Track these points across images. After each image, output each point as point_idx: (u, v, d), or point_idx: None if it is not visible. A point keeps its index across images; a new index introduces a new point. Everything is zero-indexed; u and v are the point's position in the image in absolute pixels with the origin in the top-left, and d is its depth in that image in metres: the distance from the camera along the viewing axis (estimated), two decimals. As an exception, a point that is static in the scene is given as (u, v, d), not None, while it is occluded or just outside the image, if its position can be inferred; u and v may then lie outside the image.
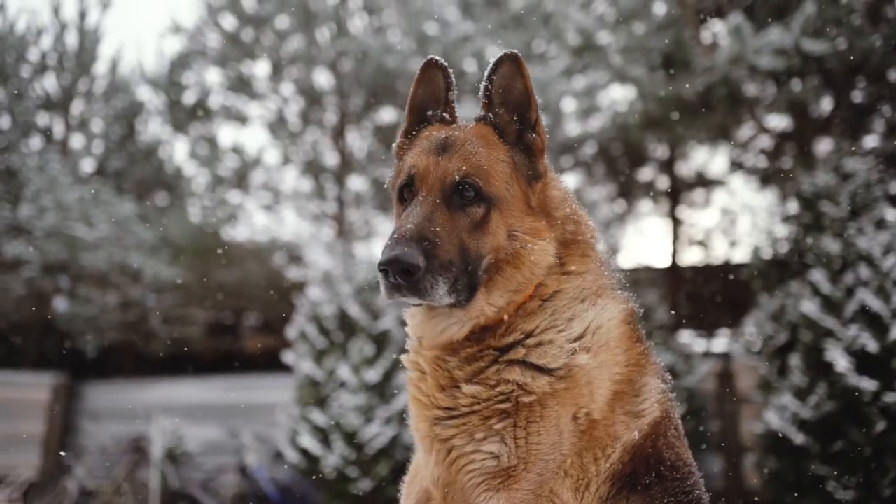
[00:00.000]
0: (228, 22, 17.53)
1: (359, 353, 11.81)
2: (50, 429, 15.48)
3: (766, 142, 13.97)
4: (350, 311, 12.08)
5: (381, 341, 12.17)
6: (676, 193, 16.31)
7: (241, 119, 18.28)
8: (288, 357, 12.53)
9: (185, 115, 18.17)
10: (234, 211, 18.22)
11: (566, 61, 12.23)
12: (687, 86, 11.31)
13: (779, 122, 13.42)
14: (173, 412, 14.89)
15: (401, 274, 2.17)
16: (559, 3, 12.45)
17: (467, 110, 8.94)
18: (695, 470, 2.50)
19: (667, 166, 16.19)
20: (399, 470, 10.03)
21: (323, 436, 11.56)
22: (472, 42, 14.78)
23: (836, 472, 8.41)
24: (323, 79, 17.92)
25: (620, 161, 15.93)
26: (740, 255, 15.76)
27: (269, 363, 15.19)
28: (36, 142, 17.71)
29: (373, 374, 11.67)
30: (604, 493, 2.33)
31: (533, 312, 2.42)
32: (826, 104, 12.38)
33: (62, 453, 15.43)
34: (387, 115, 18.50)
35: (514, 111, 2.54)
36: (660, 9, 11.97)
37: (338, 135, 18.01)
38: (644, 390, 2.47)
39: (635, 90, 12.29)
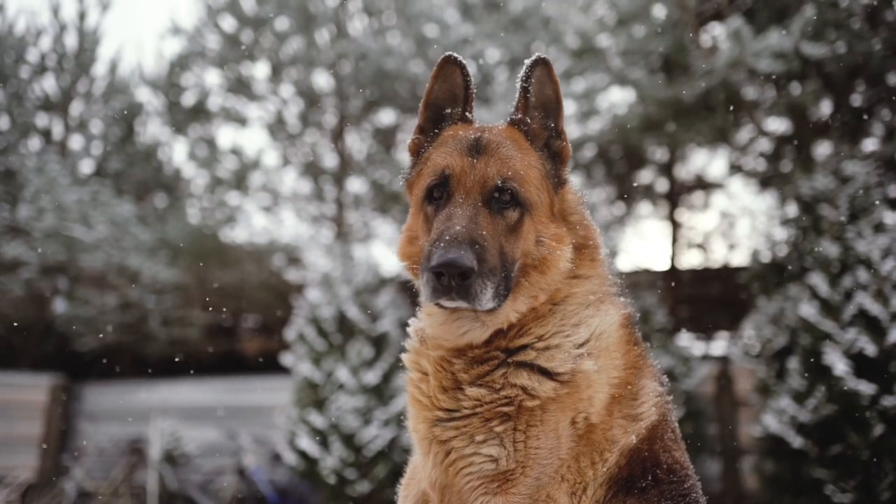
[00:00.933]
0: (228, 23, 17.53)
1: (357, 355, 11.81)
2: (48, 430, 15.48)
3: (765, 145, 13.96)
4: (349, 313, 12.08)
5: (379, 343, 12.18)
6: (675, 196, 16.31)
7: (241, 120, 18.27)
8: (286, 359, 12.53)
9: (184, 117, 18.16)
10: (233, 212, 18.19)
11: (566, 64, 12.22)
12: (686, 89, 11.31)
13: (778, 125, 13.41)
14: (171, 413, 14.89)
15: (457, 277, 2.14)
16: (559, 6, 12.44)
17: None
18: (691, 473, 2.50)
19: (666, 169, 16.18)
20: (397, 472, 10.04)
21: (321, 438, 11.56)
22: (471, 44, 14.78)
23: (834, 476, 8.40)
24: (322, 80, 17.92)
25: (619, 164, 15.93)
26: (739, 259, 15.76)
27: (268, 365, 15.19)
28: (35, 143, 17.71)
29: (371, 376, 11.68)
30: (600, 496, 2.33)
31: (544, 316, 2.43)
32: (825, 108, 12.38)
33: (60, 454, 15.43)
34: (386, 117, 18.50)
35: (546, 118, 2.56)
36: (659, 12, 11.95)
37: (337, 137, 18.01)
38: (641, 393, 2.47)
39: (635, 93, 12.28)
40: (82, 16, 17.61)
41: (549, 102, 2.55)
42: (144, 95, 18.87)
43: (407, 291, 13.98)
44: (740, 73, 10.88)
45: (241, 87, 17.85)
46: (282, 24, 17.28)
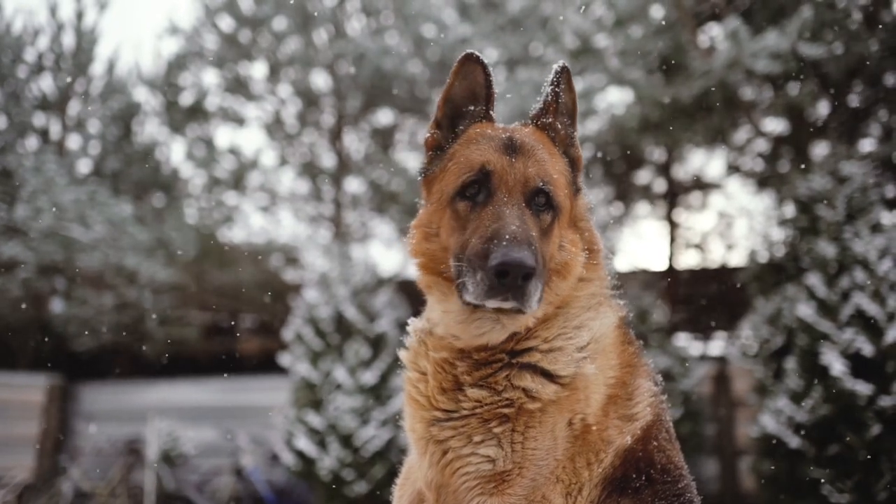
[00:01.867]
0: (226, 23, 17.52)
1: (355, 356, 11.81)
2: (45, 430, 15.46)
3: (762, 145, 13.98)
4: (346, 314, 12.08)
5: (377, 343, 12.18)
6: (673, 196, 16.32)
7: (238, 120, 18.25)
8: (284, 359, 12.53)
9: (182, 117, 18.13)
10: (231, 212, 18.17)
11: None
12: (684, 90, 11.31)
13: (775, 125, 13.43)
14: (169, 414, 14.88)
15: (521, 277, 2.11)
16: (556, 6, 12.45)
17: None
18: (685, 473, 2.50)
19: (664, 169, 16.20)
20: (395, 472, 10.06)
21: (319, 438, 11.56)
22: (469, 44, 14.76)
23: (831, 476, 8.42)
24: (320, 80, 17.92)
25: (617, 164, 15.93)
26: (737, 259, 15.77)
27: (266, 365, 15.20)
28: (32, 142, 17.66)
29: (369, 377, 11.68)
30: (595, 497, 2.33)
31: (549, 318, 2.42)
32: (823, 108, 12.40)
33: (57, 455, 15.41)
34: (384, 116, 18.50)
35: (570, 126, 2.59)
36: (657, 12, 11.96)
37: (335, 137, 18.00)
38: (637, 393, 2.48)
39: (633, 93, 12.28)
40: (80, 15, 17.57)
41: (570, 110, 2.58)
42: (142, 95, 18.84)
43: (405, 291, 14.00)
44: (738, 74, 10.89)
45: (238, 86, 17.84)
46: (280, 23, 17.26)
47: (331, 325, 12.13)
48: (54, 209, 15.00)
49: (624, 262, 16.66)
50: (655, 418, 2.48)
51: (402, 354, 2.63)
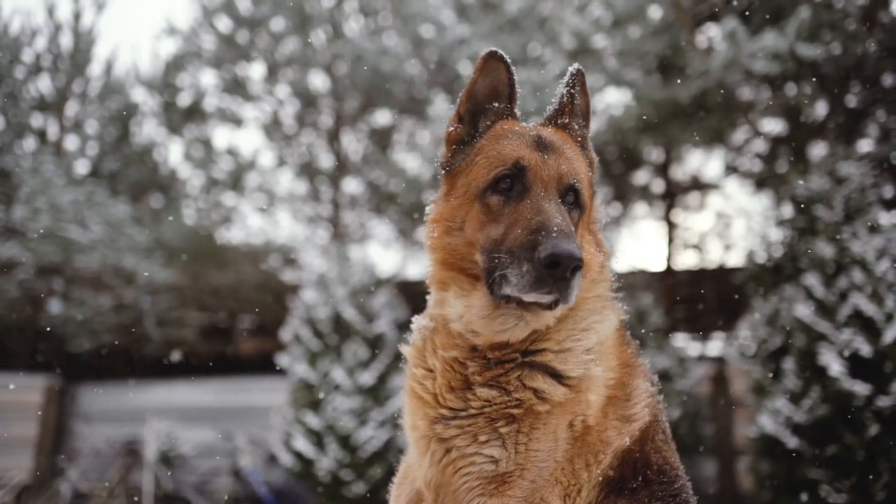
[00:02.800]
0: (223, 24, 17.52)
1: (353, 356, 11.80)
2: (43, 431, 15.43)
3: (760, 146, 13.99)
4: (345, 314, 12.08)
5: (375, 344, 12.18)
6: (671, 197, 16.33)
7: (236, 121, 18.25)
8: (282, 360, 12.52)
9: (179, 117, 18.13)
10: (229, 213, 18.16)
11: (561, 65, 12.21)
12: (682, 90, 11.32)
13: (773, 126, 13.45)
14: (167, 415, 14.87)
15: (573, 269, 2.12)
16: (555, 7, 12.46)
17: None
18: (682, 473, 2.50)
19: (662, 170, 16.20)
20: (393, 473, 10.06)
21: (317, 438, 11.56)
22: (467, 45, 14.77)
23: (829, 476, 8.41)
24: (318, 81, 17.92)
25: (616, 164, 15.93)
26: (735, 259, 15.78)
27: (264, 366, 15.18)
28: (30, 143, 17.65)
29: (367, 377, 11.67)
30: (592, 498, 2.34)
31: (561, 320, 2.42)
32: (821, 109, 12.40)
33: (56, 456, 15.39)
34: (382, 117, 18.50)
35: (584, 128, 2.62)
36: (655, 13, 11.97)
37: (333, 137, 18.01)
38: (635, 394, 2.49)
39: (631, 94, 12.30)
40: (77, 16, 17.57)
41: (582, 113, 2.61)
42: (140, 96, 18.83)
43: (403, 292, 14.00)
44: (736, 74, 10.90)
45: (236, 87, 17.84)
46: (277, 24, 17.27)
47: (329, 325, 12.13)
48: (52, 210, 14.99)
49: (622, 262, 16.67)
50: (653, 419, 2.49)
51: (406, 350, 2.62)
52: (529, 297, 2.19)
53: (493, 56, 2.56)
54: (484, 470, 2.30)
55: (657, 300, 13.52)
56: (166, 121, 18.40)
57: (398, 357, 12.08)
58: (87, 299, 16.69)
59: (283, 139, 18.20)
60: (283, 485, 13.59)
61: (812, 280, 9.18)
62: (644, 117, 12.14)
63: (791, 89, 11.73)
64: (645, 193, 16.68)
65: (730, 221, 16.22)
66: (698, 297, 16.30)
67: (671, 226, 16.23)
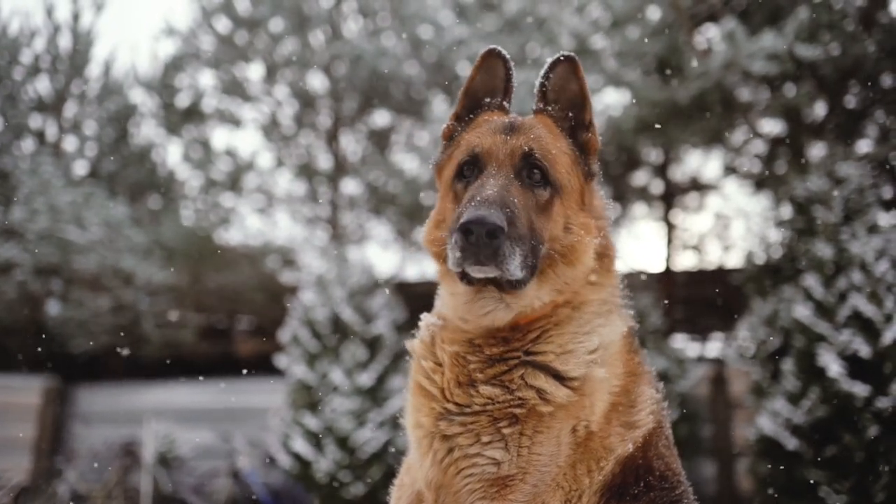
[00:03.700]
0: (222, 24, 17.50)
1: (351, 357, 11.79)
2: (41, 432, 15.42)
3: (759, 146, 13.98)
4: (343, 315, 12.06)
5: (373, 345, 12.17)
6: (670, 198, 16.32)
7: (235, 122, 18.23)
8: (281, 361, 12.51)
9: (178, 118, 18.11)
10: (228, 214, 18.13)
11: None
12: (681, 91, 11.31)
13: (772, 126, 13.43)
14: (165, 416, 14.85)
15: (486, 235, 2.12)
16: (553, 7, 12.44)
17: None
18: (683, 479, 2.50)
19: (661, 171, 16.18)
20: (391, 474, 10.04)
21: (315, 440, 11.54)
22: (466, 46, 14.74)
23: (828, 477, 8.40)
24: (317, 82, 17.90)
25: (614, 165, 15.92)
26: (734, 260, 15.77)
27: (262, 367, 15.14)
28: (28, 144, 17.64)
29: (365, 378, 11.66)
30: (594, 503, 2.33)
31: (563, 323, 2.42)
32: (819, 109, 12.39)
33: (54, 457, 15.37)
34: (381, 118, 18.49)
35: (568, 110, 2.60)
36: (654, 13, 11.96)
37: (331, 138, 17.99)
38: (639, 401, 2.48)
39: (629, 94, 12.29)
40: (76, 17, 17.54)
41: (575, 97, 2.60)
42: (138, 97, 18.81)
43: (402, 293, 13.98)
44: (735, 75, 10.89)
45: (235, 88, 17.82)
46: (276, 25, 17.25)
47: (327, 326, 12.11)
48: (50, 211, 14.98)
49: (621, 263, 16.63)
50: (656, 426, 2.49)
51: (414, 345, 2.63)
52: (472, 272, 2.23)
53: (491, 53, 2.63)
54: (486, 472, 2.29)
55: (656, 301, 13.51)
56: (165, 121, 18.38)
57: (397, 358, 12.08)
58: (85, 300, 16.67)
59: (282, 140, 18.18)
60: (282, 486, 13.57)
61: (811, 281, 9.18)
62: (643, 118, 12.13)
63: (790, 90, 11.72)
64: (644, 194, 16.67)
65: (729, 222, 16.22)
66: (697, 298, 16.29)
67: (670, 227, 16.22)
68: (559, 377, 2.33)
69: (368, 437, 11.39)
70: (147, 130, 19.25)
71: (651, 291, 14.42)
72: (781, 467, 9.01)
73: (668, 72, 11.85)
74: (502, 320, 2.37)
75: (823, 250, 9.23)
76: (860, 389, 8.21)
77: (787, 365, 9.23)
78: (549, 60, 2.58)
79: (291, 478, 12.03)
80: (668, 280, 15.82)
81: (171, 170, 19.24)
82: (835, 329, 8.70)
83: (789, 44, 9.99)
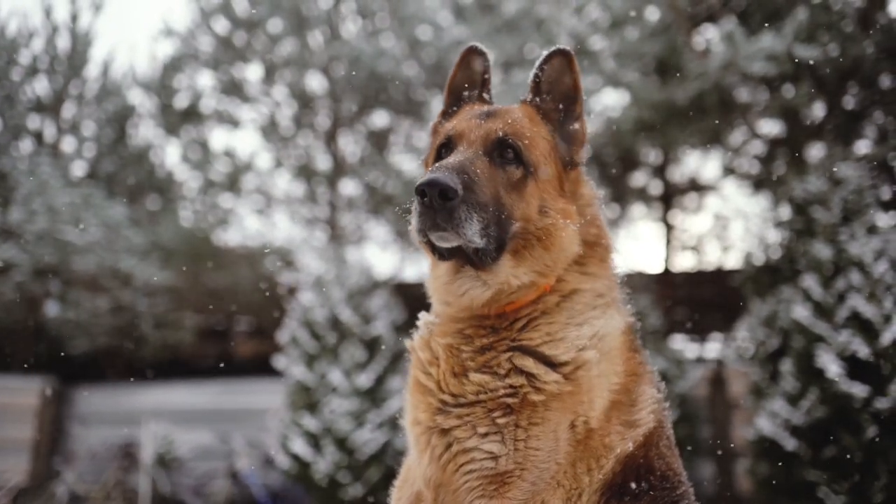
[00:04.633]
0: (221, 25, 17.49)
1: (350, 358, 11.78)
2: (40, 434, 15.41)
3: (758, 147, 13.98)
4: (342, 316, 12.05)
5: (372, 346, 12.16)
6: (669, 199, 16.31)
7: (234, 123, 18.22)
8: (279, 362, 12.49)
9: (176, 119, 18.10)
10: (226, 215, 18.13)
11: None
12: (679, 92, 11.32)
13: (771, 127, 13.44)
14: (164, 417, 14.85)
15: (439, 196, 2.18)
16: (552, 8, 12.45)
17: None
18: (684, 479, 2.51)
19: (659, 171, 16.18)
20: (390, 475, 10.02)
21: (314, 441, 11.53)
22: (465, 46, 14.75)
23: (827, 478, 8.40)
24: (315, 83, 17.89)
25: (613, 166, 15.92)
26: (733, 261, 15.77)
27: (261, 368, 15.15)
28: (27, 145, 17.61)
29: (364, 379, 11.65)
30: (594, 502, 2.33)
31: (552, 311, 2.45)
32: (818, 110, 12.39)
33: (52, 458, 15.36)
34: (379, 119, 18.48)
35: (560, 101, 2.65)
36: (652, 14, 11.97)
37: (330, 139, 17.98)
38: (640, 400, 2.48)
39: (628, 95, 12.30)
40: (75, 18, 17.53)
41: (567, 90, 2.65)
42: (137, 97, 18.80)
43: (401, 294, 13.97)
44: (733, 76, 10.89)
45: (234, 89, 17.81)
46: (275, 26, 17.24)
47: (326, 327, 12.10)
48: (49, 212, 14.96)
49: (621, 264, 16.62)
50: (657, 425, 2.49)
51: (414, 340, 2.67)
52: (434, 239, 2.30)
53: (470, 50, 2.79)
54: (484, 467, 2.29)
55: (655, 302, 13.52)
56: (163, 122, 18.37)
57: (396, 359, 12.08)
58: (83, 301, 16.66)
59: (281, 141, 18.16)
60: (281, 487, 13.57)
61: (810, 281, 9.18)
62: (642, 119, 12.13)
63: (789, 91, 11.72)
64: (642, 195, 16.66)
65: (727, 223, 16.21)
66: (696, 299, 16.29)
67: (669, 227, 16.22)
68: (548, 362, 2.36)
69: (367, 438, 11.38)
70: (145, 131, 19.24)
71: (650, 292, 14.42)
72: (780, 468, 9.02)
73: (667, 73, 11.86)
74: (481, 298, 2.41)
75: (822, 251, 9.23)
76: (859, 390, 8.21)
77: (786, 365, 9.23)
78: (545, 52, 2.64)
79: (290, 478, 12.02)
80: (666, 281, 15.82)
81: (170, 170, 19.23)
82: (834, 330, 8.71)
83: (788, 44, 9.99)
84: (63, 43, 17.56)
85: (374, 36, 17.18)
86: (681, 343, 14.93)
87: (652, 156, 15.77)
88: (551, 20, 12.20)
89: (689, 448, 11.88)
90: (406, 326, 12.15)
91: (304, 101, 17.80)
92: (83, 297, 16.72)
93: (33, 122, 17.65)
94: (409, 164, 17.31)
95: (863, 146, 12.23)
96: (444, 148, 2.55)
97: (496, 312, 2.46)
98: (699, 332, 15.71)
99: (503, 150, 2.44)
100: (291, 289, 14.29)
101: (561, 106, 2.65)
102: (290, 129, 18.24)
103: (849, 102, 12.09)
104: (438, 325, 2.57)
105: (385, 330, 12.26)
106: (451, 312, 2.51)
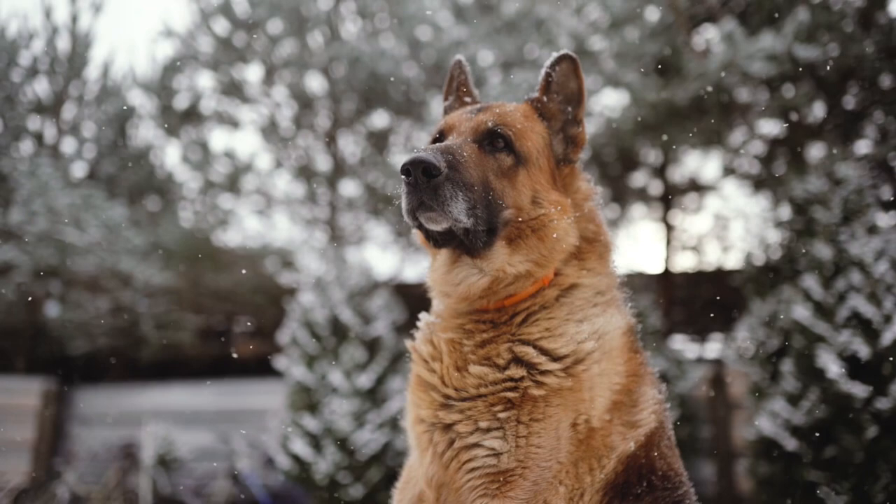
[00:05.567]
0: (221, 26, 17.49)
1: (350, 359, 11.78)
2: (40, 434, 15.41)
3: (758, 147, 13.98)
4: (342, 317, 12.05)
5: (372, 347, 12.15)
6: (669, 199, 16.32)
7: (233, 123, 18.21)
8: (279, 362, 12.49)
9: (176, 120, 18.10)
10: (226, 216, 18.14)
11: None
12: (679, 92, 11.31)
13: (771, 127, 13.43)
14: (164, 417, 14.85)
15: (423, 174, 2.22)
16: (552, 9, 12.45)
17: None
18: (685, 480, 2.52)
19: (659, 171, 16.18)
20: (391, 476, 10.01)
21: (314, 441, 11.53)
22: (464, 47, 14.76)
23: (828, 478, 8.40)
24: (315, 83, 17.89)
25: (613, 166, 15.91)
26: (733, 261, 15.77)
27: (261, 368, 15.15)
28: (27, 146, 17.64)
29: (364, 380, 11.64)
30: (596, 502, 2.34)
31: (551, 306, 2.48)
32: (818, 110, 12.39)
33: (52, 459, 15.35)
34: (379, 119, 18.47)
35: (566, 104, 2.70)
36: (652, 14, 11.97)
37: (330, 139, 17.97)
38: (641, 401, 2.49)
39: (628, 95, 12.29)
40: (74, 19, 17.55)
41: (572, 94, 2.70)
42: (137, 98, 18.82)
43: (401, 294, 13.97)
44: (733, 76, 10.89)
45: (233, 89, 17.81)
46: (274, 26, 17.24)
47: (326, 328, 12.10)
48: (49, 213, 14.97)
49: (621, 264, 16.61)
50: (658, 425, 2.50)
51: (417, 338, 2.70)
52: (424, 221, 2.34)
53: (455, 64, 2.99)
54: (486, 464, 2.30)
55: (655, 302, 13.51)
56: (163, 123, 18.37)
57: (396, 359, 12.07)
58: (84, 302, 16.67)
59: (280, 141, 18.16)
60: (281, 488, 13.56)
61: (810, 282, 9.17)
62: (642, 119, 12.13)
63: (789, 91, 11.72)
64: (642, 195, 16.67)
65: (727, 223, 16.22)
66: (696, 299, 16.29)
67: (669, 227, 16.22)
68: (547, 354, 2.38)
69: (368, 439, 11.38)
70: (145, 132, 19.27)
71: (650, 292, 14.42)
72: (780, 468, 9.01)
73: (667, 73, 11.86)
74: (477, 286, 2.43)
75: (822, 251, 9.23)
76: (859, 390, 8.21)
77: (787, 366, 9.22)
78: (555, 55, 2.69)
79: (290, 479, 12.01)
80: (667, 281, 15.82)
81: (170, 171, 19.25)
82: (834, 330, 8.70)
83: (788, 45, 10.00)
84: (63, 44, 17.59)
85: (373, 36, 17.18)
86: (681, 343, 14.94)
87: (652, 156, 15.77)
88: (551, 20, 12.20)
89: (689, 448, 11.88)
90: (406, 327, 12.16)
91: (304, 101, 17.80)
92: (83, 297, 16.73)
93: (33, 123, 17.67)
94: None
95: (863, 146, 12.23)
96: (436, 141, 2.61)
97: (495, 306, 2.48)
98: (699, 333, 15.71)
99: (493, 139, 2.49)
100: (292, 289, 14.30)
101: (568, 108, 2.71)
102: (289, 130, 18.25)
103: (849, 102, 12.09)
104: (440, 321, 2.60)
105: (385, 330, 12.25)
106: (451, 304, 2.54)
